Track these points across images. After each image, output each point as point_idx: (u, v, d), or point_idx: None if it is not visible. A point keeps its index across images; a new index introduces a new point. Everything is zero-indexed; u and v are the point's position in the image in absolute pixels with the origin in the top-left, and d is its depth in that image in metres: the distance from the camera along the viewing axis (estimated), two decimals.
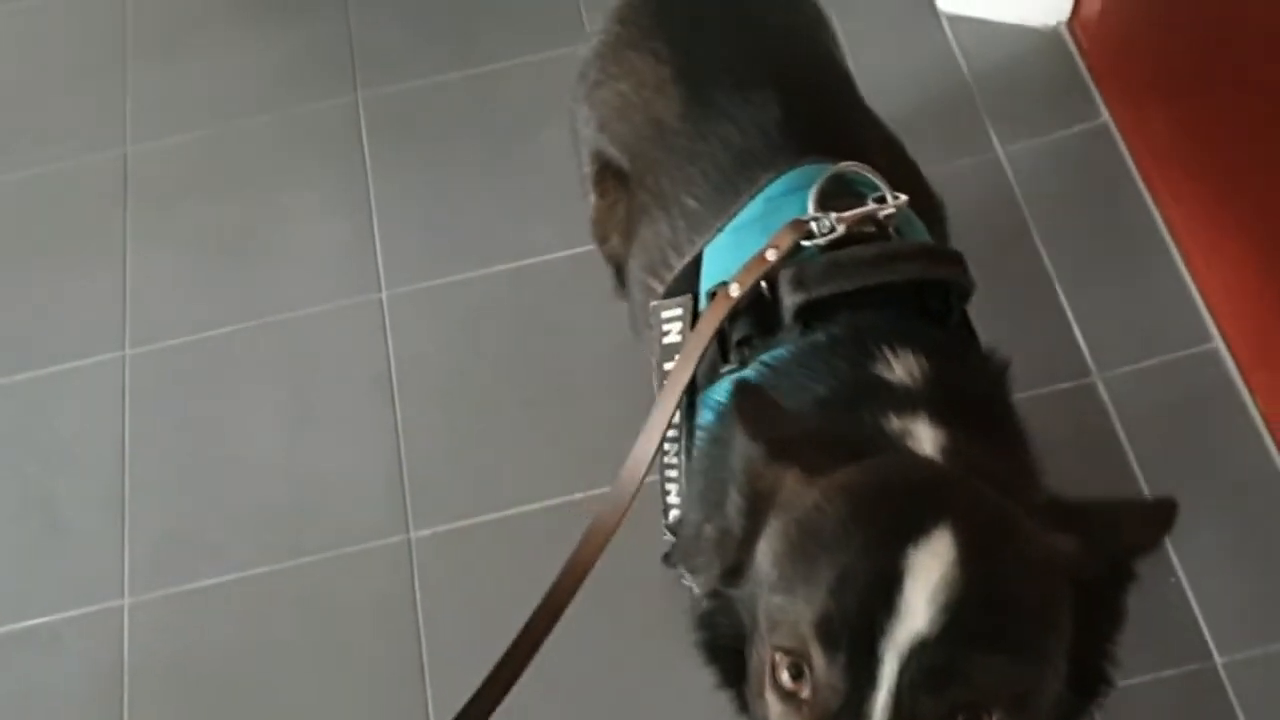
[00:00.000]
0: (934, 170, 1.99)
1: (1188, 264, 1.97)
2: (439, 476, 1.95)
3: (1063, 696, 0.83)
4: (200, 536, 1.95)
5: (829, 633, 0.75)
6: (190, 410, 2.08)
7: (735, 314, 1.14)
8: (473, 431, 1.99)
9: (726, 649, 0.91)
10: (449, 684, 1.73)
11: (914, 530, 0.76)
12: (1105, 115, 2.14)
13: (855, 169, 1.18)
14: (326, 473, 1.99)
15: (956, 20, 2.27)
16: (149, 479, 2.02)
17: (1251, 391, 1.85)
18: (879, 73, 2.23)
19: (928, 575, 0.74)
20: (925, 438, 0.97)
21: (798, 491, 0.85)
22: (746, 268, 1.13)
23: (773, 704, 0.81)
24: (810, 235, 1.13)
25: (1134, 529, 0.87)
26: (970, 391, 1.06)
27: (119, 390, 2.10)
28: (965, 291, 1.18)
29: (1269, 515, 1.78)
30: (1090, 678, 0.88)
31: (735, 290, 1.12)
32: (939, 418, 0.98)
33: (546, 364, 2.02)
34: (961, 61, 2.23)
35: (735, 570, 0.89)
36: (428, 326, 2.10)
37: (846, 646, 0.74)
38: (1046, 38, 2.24)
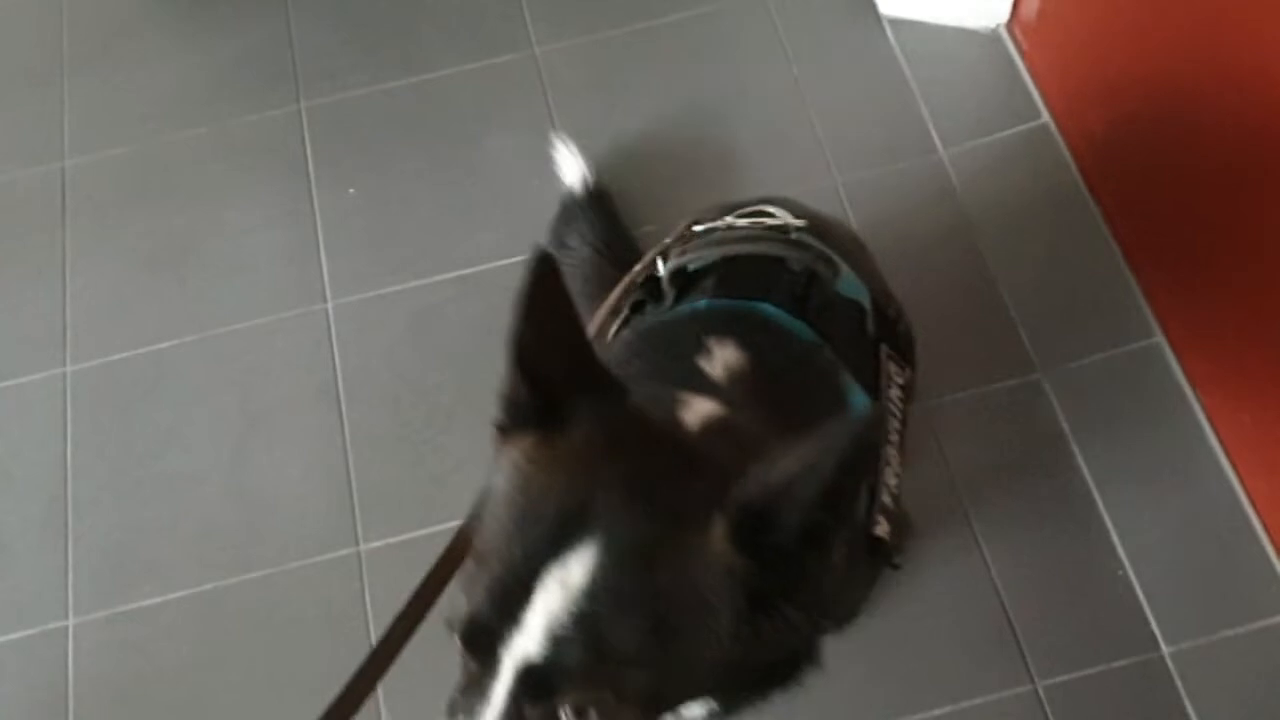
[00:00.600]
0: (877, 174, 2.03)
1: (1128, 261, 2.00)
2: (388, 488, 1.93)
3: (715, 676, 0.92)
4: (145, 554, 1.92)
5: (470, 639, 0.89)
6: (133, 426, 2.05)
7: (635, 288, 1.33)
8: (421, 442, 1.97)
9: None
10: (402, 701, 1.71)
11: (561, 541, 0.86)
12: (1045, 115, 2.17)
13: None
14: (273, 486, 1.96)
15: (898, 24, 2.29)
16: (92, 497, 1.98)
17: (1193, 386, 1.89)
18: (823, 76, 2.26)
19: (549, 598, 0.84)
20: (699, 410, 1.04)
21: (527, 456, 0.95)
22: (649, 252, 1.34)
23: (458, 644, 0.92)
24: (697, 223, 1.37)
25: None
26: (774, 377, 1.15)
27: (60, 407, 2.06)
28: (826, 283, 1.29)
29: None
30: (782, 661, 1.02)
31: (636, 267, 1.34)
32: (723, 398, 1.07)
33: (494, 372, 2.00)
34: (904, 64, 2.25)
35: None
36: (374, 336, 2.09)
37: (480, 651, 0.88)
38: (987, 40, 2.26)
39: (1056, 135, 2.15)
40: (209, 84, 2.40)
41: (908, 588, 1.78)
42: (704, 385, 1.11)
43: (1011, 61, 2.24)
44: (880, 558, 1.23)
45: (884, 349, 1.32)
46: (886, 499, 1.21)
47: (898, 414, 1.29)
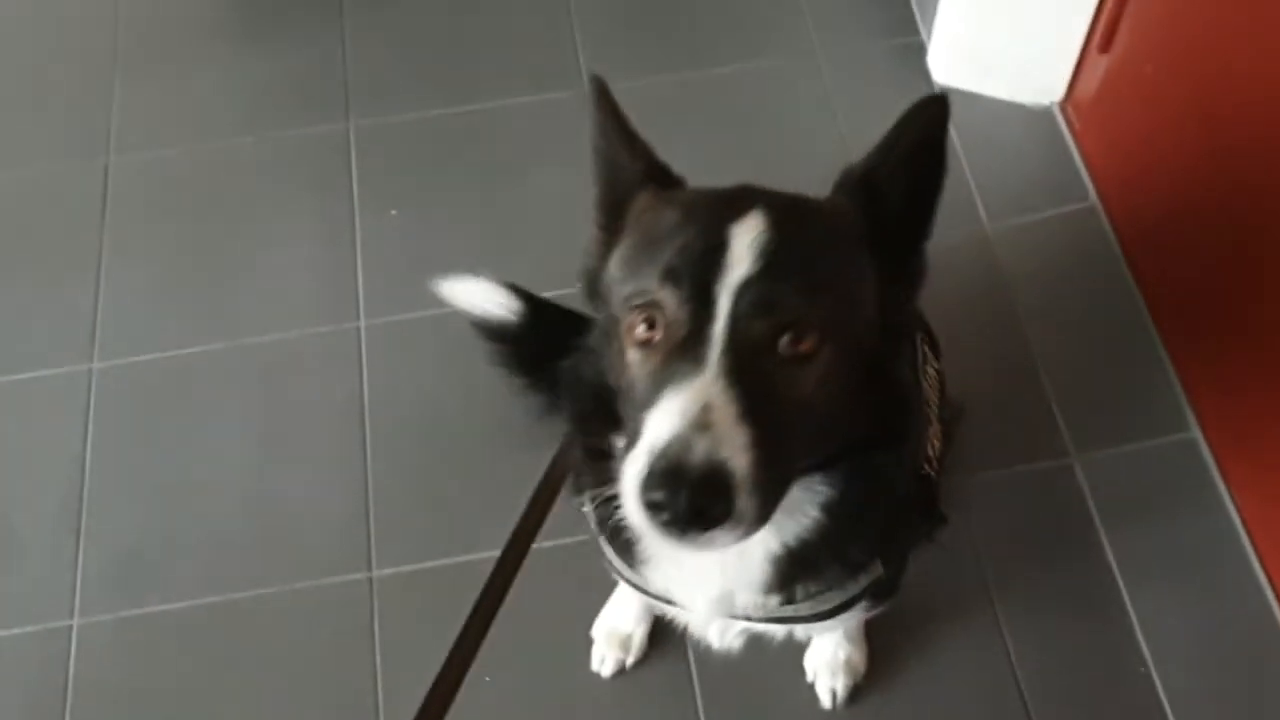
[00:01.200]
0: None
1: (1169, 351, 1.99)
2: (406, 515, 1.91)
3: (874, 333, 1.04)
4: (157, 560, 1.90)
5: (674, 278, 0.96)
6: (155, 429, 2.03)
7: None
8: (443, 471, 1.95)
9: (584, 387, 1.12)
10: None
11: (733, 213, 0.99)
12: (1093, 197, 2.16)
13: None
14: (290, 503, 1.94)
15: (950, 92, 2.25)
16: (107, 497, 1.97)
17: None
18: (871, 139, 2.25)
19: (746, 238, 0.96)
20: None
21: (647, 205, 1.09)
22: None
23: (633, 357, 1.01)
24: None
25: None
26: None
27: (83, 404, 2.05)
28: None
29: None
30: (896, 322, 1.09)
31: None
32: None
33: (520, 405, 1.99)
34: (953, 134, 2.23)
35: (594, 281, 1.12)
36: (404, 360, 2.07)
37: (688, 286, 0.96)
38: (1039, 116, 2.26)
39: (1103, 217, 2.14)
40: (260, 95, 2.41)
41: (925, 664, 1.75)
42: None
43: (1063, 140, 2.24)
44: (929, 497, 1.34)
45: (920, 335, 1.43)
46: (931, 452, 1.35)
47: (933, 395, 1.41)
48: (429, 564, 1.86)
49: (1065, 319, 2.04)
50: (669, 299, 0.97)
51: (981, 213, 2.16)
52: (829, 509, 1.11)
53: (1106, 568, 1.81)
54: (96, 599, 1.87)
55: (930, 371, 1.43)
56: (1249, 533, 1.82)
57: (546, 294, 2.06)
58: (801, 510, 1.10)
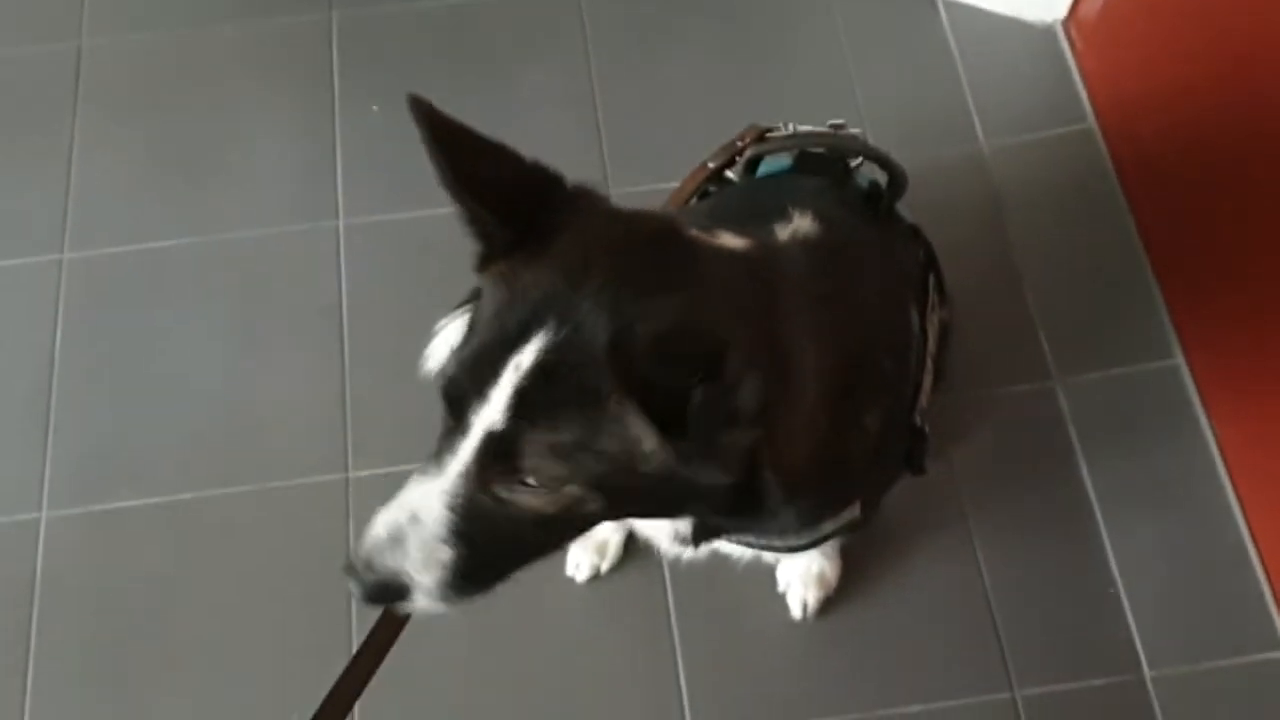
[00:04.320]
0: (915, 158, 1.97)
1: (1158, 278, 1.97)
2: (383, 418, 1.89)
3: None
4: (127, 455, 1.88)
5: (447, 392, 0.98)
6: (127, 323, 1.99)
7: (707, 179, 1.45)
8: (422, 376, 1.92)
9: None
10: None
11: (519, 337, 0.93)
12: (1091, 119, 2.13)
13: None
14: (265, 402, 1.92)
15: (954, 7, 2.23)
16: (77, 390, 1.93)
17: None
18: (873, 53, 2.20)
19: (511, 377, 0.92)
20: (726, 240, 1.08)
21: (494, 277, 1.00)
22: (722, 149, 1.45)
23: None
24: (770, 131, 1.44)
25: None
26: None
27: (53, 295, 2.01)
28: (896, 191, 1.36)
29: None
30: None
31: (711, 163, 1.45)
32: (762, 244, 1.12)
33: None
34: (955, 50, 2.20)
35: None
36: (383, 261, 2.03)
37: (453, 406, 0.97)
38: (1041, 34, 2.21)
39: (1100, 140, 2.11)
40: None
41: (897, 579, 1.76)
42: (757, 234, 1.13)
43: (1064, 59, 2.19)
44: (914, 451, 1.32)
45: (931, 278, 1.41)
46: (924, 402, 1.32)
47: (933, 341, 1.37)
48: (406, 467, 1.83)
49: (1056, 241, 2.02)
50: (443, 401, 0.99)
51: (978, 130, 2.12)
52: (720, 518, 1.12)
53: (1082, 491, 1.81)
54: (65, 492, 1.85)
55: (935, 320, 1.39)
56: (1226, 462, 1.82)
57: None
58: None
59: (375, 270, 2.02)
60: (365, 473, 1.84)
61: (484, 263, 1.02)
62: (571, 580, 1.77)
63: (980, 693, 1.69)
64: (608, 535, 1.76)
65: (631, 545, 1.77)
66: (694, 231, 1.04)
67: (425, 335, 1.85)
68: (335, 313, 1.98)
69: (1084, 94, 2.15)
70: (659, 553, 1.73)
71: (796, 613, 1.74)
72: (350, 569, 1.01)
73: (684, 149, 1.56)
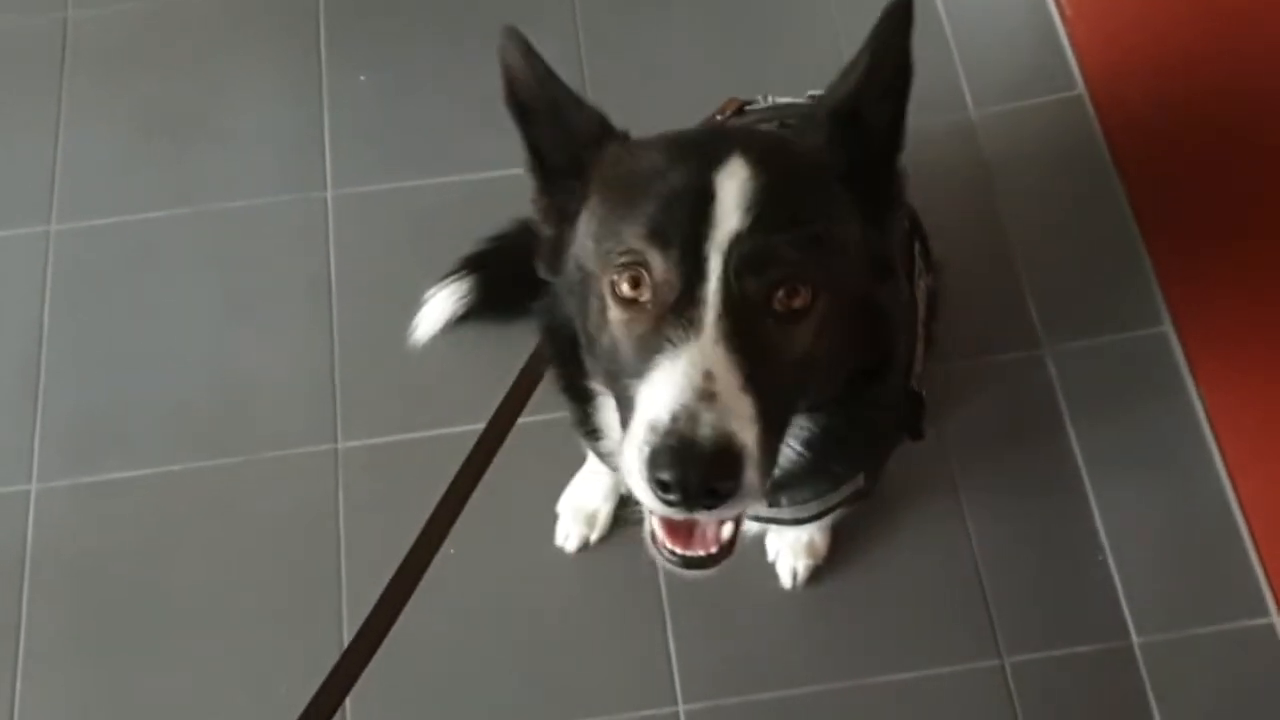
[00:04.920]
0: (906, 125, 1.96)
1: (1147, 245, 1.97)
2: (372, 389, 1.89)
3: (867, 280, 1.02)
4: (116, 426, 1.88)
5: (661, 237, 0.92)
6: (115, 294, 1.99)
7: None
8: (410, 346, 1.92)
9: (561, 334, 1.09)
10: (366, 600, 1.68)
11: (714, 161, 0.93)
12: (1081, 86, 2.12)
13: None
14: (254, 373, 1.92)
15: None
16: (66, 361, 1.93)
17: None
18: (862, 23, 2.18)
19: (732, 189, 0.91)
20: None
21: (615, 158, 1.02)
22: (703, 123, 1.41)
23: (617, 316, 0.96)
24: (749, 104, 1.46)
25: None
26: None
27: (41, 266, 2.00)
28: None
29: None
30: (882, 261, 1.05)
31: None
32: None
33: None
34: (944, 16, 2.18)
35: (556, 248, 1.06)
36: (372, 231, 2.03)
37: (678, 245, 0.91)
38: (1031, 2, 2.20)
39: (1090, 108, 2.10)
40: None
41: (886, 548, 1.77)
42: None
43: (1054, 27, 2.18)
44: (914, 414, 1.30)
45: (917, 245, 1.39)
46: (919, 368, 1.31)
47: (923, 307, 1.36)
48: (395, 438, 1.84)
49: (1045, 209, 2.02)
50: (656, 260, 0.92)
51: (968, 98, 2.11)
52: (813, 443, 1.09)
53: (1071, 459, 1.82)
54: (55, 464, 1.85)
55: (921, 285, 1.39)
56: (1214, 430, 1.82)
57: (518, 169, 2.03)
58: (786, 446, 1.07)
59: (363, 241, 2.02)
60: (354, 443, 1.84)
61: (573, 160, 1.05)
62: (561, 550, 1.77)
63: (969, 660, 1.70)
64: (597, 506, 1.76)
65: (620, 515, 1.78)
66: None
67: (414, 305, 1.86)
68: (324, 283, 1.97)
69: (1074, 61, 2.14)
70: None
71: (786, 581, 1.74)
72: (657, 466, 0.88)
73: (670, 123, 1.54)
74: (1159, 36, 1.95)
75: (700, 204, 0.91)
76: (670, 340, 0.90)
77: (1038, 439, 1.84)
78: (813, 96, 1.43)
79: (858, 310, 0.99)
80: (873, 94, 1.00)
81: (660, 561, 1.00)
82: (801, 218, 0.93)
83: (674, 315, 0.91)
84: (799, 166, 0.99)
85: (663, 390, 0.89)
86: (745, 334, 0.90)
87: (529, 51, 1.02)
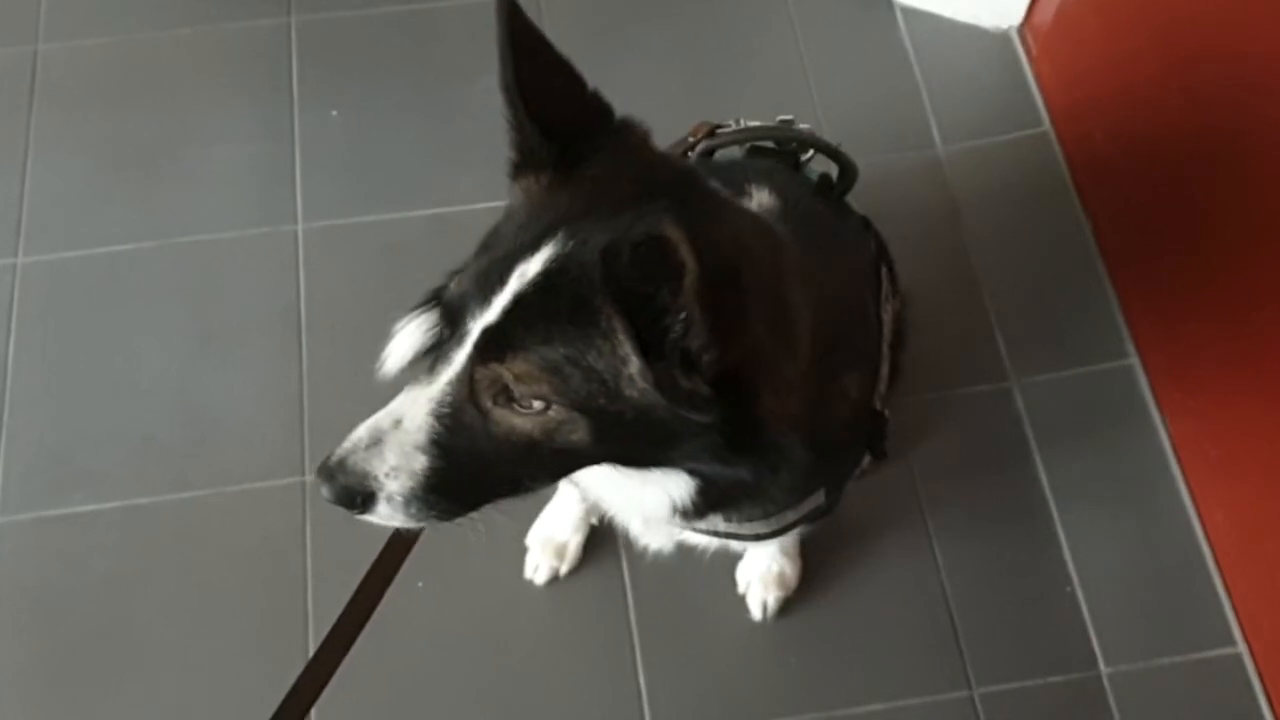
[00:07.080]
0: (872, 162, 1.99)
1: (1112, 279, 2.00)
2: (341, 422, 1.84)
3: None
4: (82, 459, 1.86)
5: (452, 297, 0.99)
6: (82, 327, 1.97)
7: None
8: (379, 381, 1.91)
9: None
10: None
11: (527, 250, 0.95)
12: (1046, 123, 2.15)
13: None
14: (222, 406, 1.90)
15: (911, 13, 2.25)
16: (31, 393, 1.91)
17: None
18: (830, 57, 2.21)
19: (514, 285, 0.94)
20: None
21: (532, 181, 1.04)
22: (673, 146, 1.39)
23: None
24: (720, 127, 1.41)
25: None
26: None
27: (6, 299, 1.98)
28: (847, 183, 1.40)
29: None
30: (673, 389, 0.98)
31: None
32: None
33: None
34: (912, 56, 2.21)
35: None
36: (342, 265, 2.03)
37: (452, 313, 0.99)
38: (997, 40, 2.24)
39: (1055, 144, 2.13)
40: None
41: (856, 580, 1.77)
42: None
43: (1019, 65, 2.22)
44: (876, 433, 1.32)
45: (884, 270, 1.42)
46: (882, 388, 1.33)
47: (888, 329, 1.37)
48: None
49: (1012, 244, 2.04)
50: (452, 305, 1.00)
51: (936, 135, 2.14)
52: (707, 485, 1.10)
53: (1039, 490, 1.83)
54: (19, 497, 1.83)
55: (889, 308, 1.41)
56: (1180, 461, 1.84)
57: (487, 203, 2.04)
58: (676, 480, 1.10)
59: (333, 274, 2.02)
60: None
61: (516, 171, 1.05)
62: (530, 583, 1.76)
63: (939, 691, 1.70)
64: (567, 538, 1.76)
65: (590, 548, 1.77)
66: (713, 183, 1.10)
67: (383, 339, 1.85)
68: (293, 316, 1.97)
69: (1039, 99, 2.17)
70: (623, 548, 1.74)
71: (756, 614, 1.74)
72: (323, 469, 1.00)
73: None
74: (1122, 74, 1.98)
75: (494, 282, 0.96)
76: (419, 378, 1.00)
77: (1005, 471, 1.85)
78: (783, 121, 1.45)
79: (626, 423, 0.97)
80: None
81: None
82: (550, 337, 0.93)
83: (435, 353, 1.00)
84: (575, 285, 0.94)
85: (380, 412, 1.00)
86: (465, 403, 0.97)
87: (525, 22, 1.04)
